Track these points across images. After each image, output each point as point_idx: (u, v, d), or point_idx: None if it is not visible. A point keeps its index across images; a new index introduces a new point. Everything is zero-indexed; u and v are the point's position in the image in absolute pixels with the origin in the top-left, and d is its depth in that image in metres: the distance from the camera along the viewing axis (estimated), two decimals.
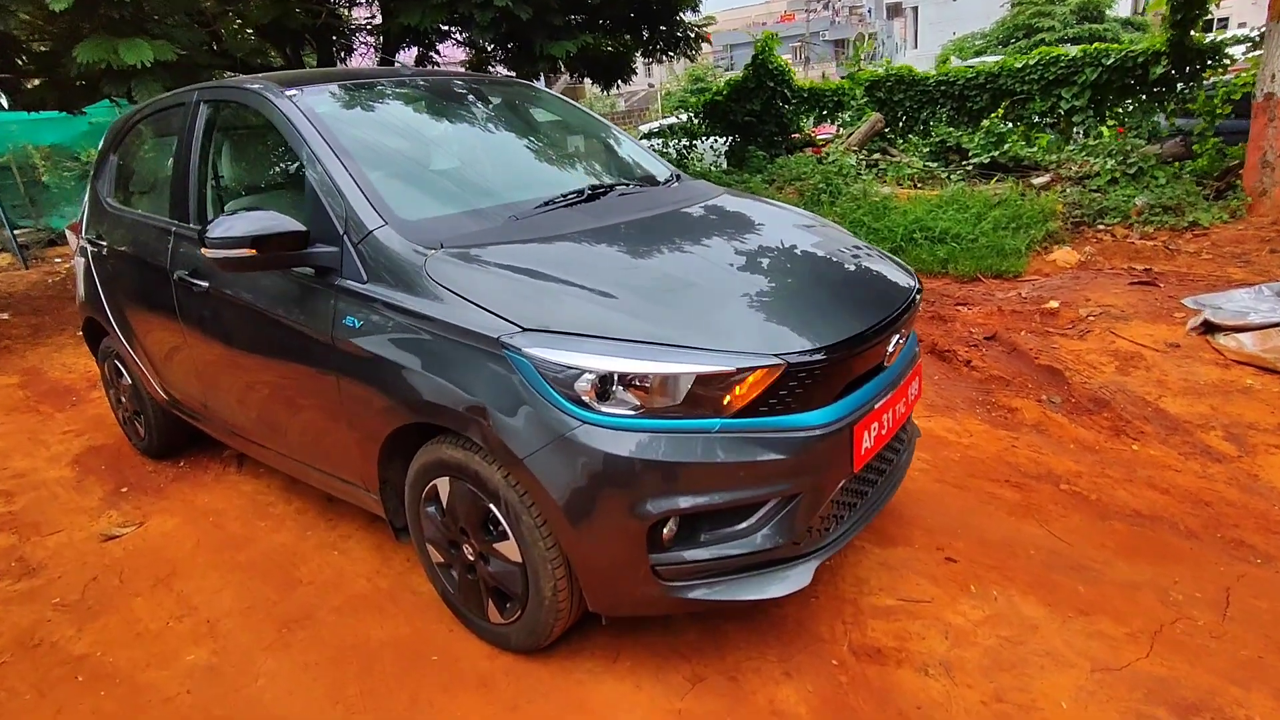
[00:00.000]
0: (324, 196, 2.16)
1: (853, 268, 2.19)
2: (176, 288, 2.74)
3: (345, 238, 2.10)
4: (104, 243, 3.23)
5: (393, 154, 2.43)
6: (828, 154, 7.81)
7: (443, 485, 2.05)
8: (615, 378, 1.69)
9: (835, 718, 1.89)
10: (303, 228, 2.09)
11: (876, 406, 1.98)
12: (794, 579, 1.89)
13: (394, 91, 2.71)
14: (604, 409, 1.71)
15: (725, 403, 1.73)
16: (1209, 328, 4.09)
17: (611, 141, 3.03)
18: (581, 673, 2.06)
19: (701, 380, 1.69)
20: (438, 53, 9.14)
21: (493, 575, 2.02)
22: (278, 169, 2.80)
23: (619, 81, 9.30)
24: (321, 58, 8.36)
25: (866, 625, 2.19)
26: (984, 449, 3.20)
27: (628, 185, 2.58)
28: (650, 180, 2.76)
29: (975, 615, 2.22)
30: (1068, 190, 6.51)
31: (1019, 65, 8.07)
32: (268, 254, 2.06)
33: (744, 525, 1.83)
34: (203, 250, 2.06)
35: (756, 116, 9.48)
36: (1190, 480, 2.89)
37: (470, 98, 2.86)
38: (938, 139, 8.13)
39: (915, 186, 7.17)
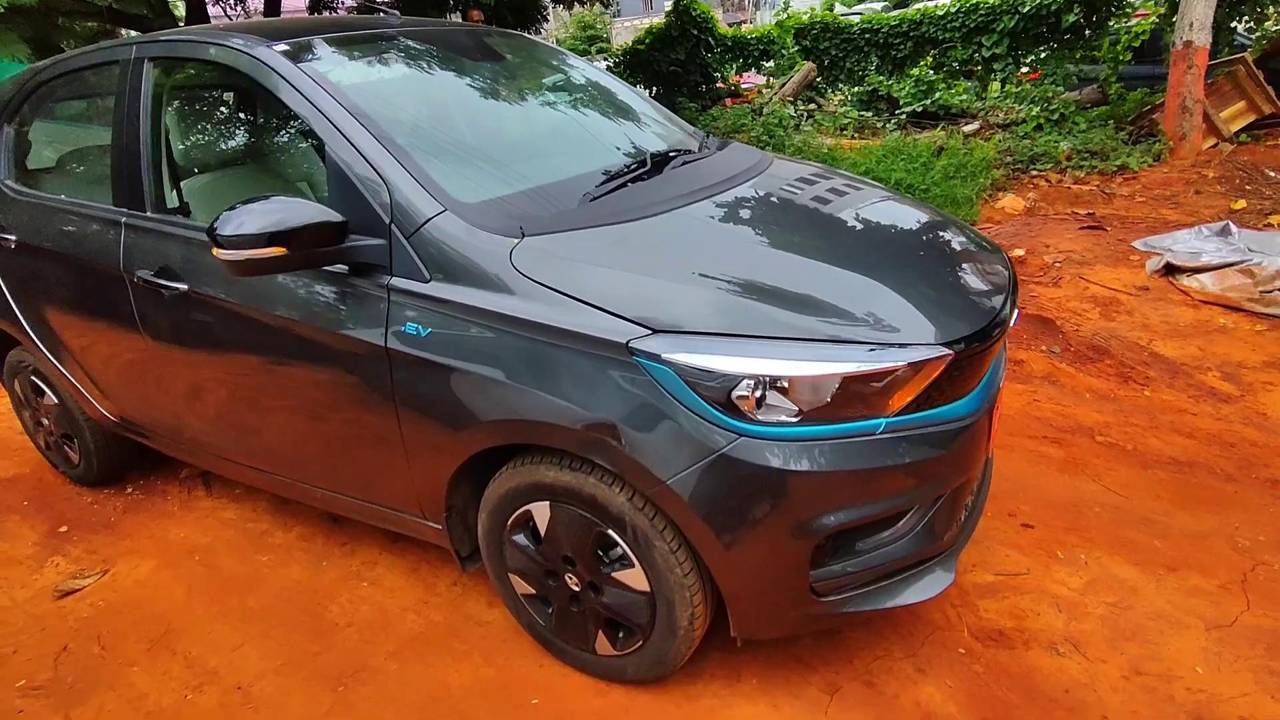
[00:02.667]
0: (357, 179, 1.78)
1: (958, 240, 2.04)
2: (136, 292, 2.25)
3: (393, 228, 1.74)
4: (9, 236, 2.63)
5: (426, 124, 2.05)
6: (763, 104, 7.66)
7: (539, 511, 1.78)
8: (778, 383, 1.48)
9: (987, 712, 1.81)
10: (340, 218, 1.71)
11: (1000, 386, 1.87)
12: (942, 576, 1.78)
13: (398, 48, 2.28)
14: (761, 418, 1.50)
15: (891, 400, 1.55)
16: (1169, 269, 4.29)
17: (629, 100, 2.72)
18: (708, 698, 1.88)
19: (872, 378, 1.51)
20: None
21: (607, 606, 1.79)
22: (262, 142, 2.32)
23: (530, 26, 8.76)
24: (190, 6, 7.34)
25: (977, 607, 2.13)
26: (1010, 405, 3.21)
27: (682, 152, 2.31)
28: (694, 143, 2.50)
29: (1074, 583, 2.20)
30: (1000, 137, 6.69)
31: (941, 13, 8.18)
32: (301, 253, 1.68)
33: (899, 528, 1.68)
34: (216, 253, 1.65)
35: (681, 66, 9.19)
36: (1209, 423, 3.01)
37: (483, 54, 2.47)
38: (869, 87, 8.16)
39: (853, 136, 7.16)
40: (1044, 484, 2.66)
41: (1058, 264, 4.59)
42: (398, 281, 1.74)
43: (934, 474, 1.64)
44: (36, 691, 2.11)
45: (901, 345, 1.53)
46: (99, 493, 3.10)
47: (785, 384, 1.48)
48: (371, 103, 1.92)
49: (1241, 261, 4.02)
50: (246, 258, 1.63)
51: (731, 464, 1.49)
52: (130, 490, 3.09)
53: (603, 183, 1.96)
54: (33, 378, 2.98)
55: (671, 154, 2.23)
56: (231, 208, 1.65)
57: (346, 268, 1.80)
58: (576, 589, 1.83)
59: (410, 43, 2.32)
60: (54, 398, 2.94)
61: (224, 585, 2.44)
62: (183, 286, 2.10)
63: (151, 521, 2.85)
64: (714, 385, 1.48)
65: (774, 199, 2.05)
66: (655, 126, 2.56)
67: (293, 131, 2.13)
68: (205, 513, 2.85)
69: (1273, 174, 5.63)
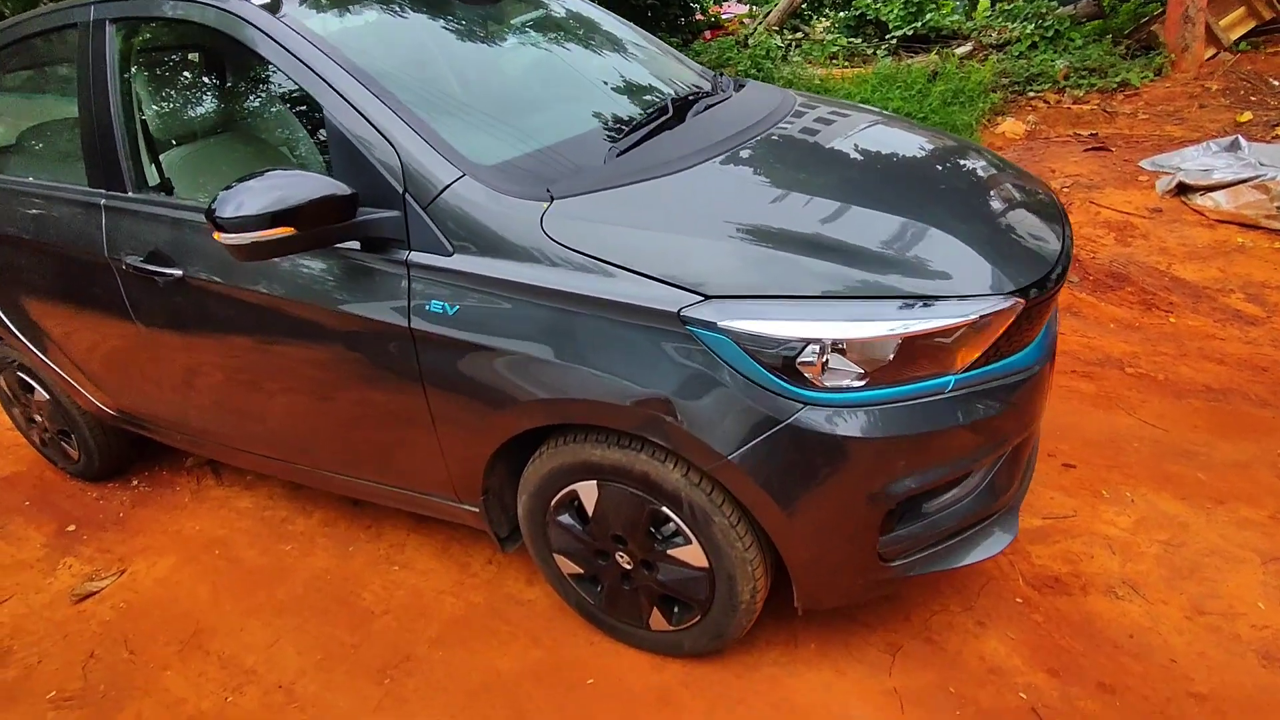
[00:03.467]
0: (362, 145, 1.62)
1: (1006, 178, 1.92)
2: (125, 280, 2.09)
3: (407, 198, 1.60)
4: None
5: (426, 78, 1.87)
6: (748, 35, 7.35)
7: (586, 490, 1.69)
8: (843, 345, 1.38)
9: (1052, 662, 1.78)
10: (349, 190, 1.56)
11: (1055, 333, 1.79)
12: (1005, 531, 1.73)
13: None
14: (826, 384, 1.40)
15: (960, 355, 1.46)
16: (1181, 189, 4.19)
17: (633, 38, 2.53)
18: (769, 667, 1.84)
19: (943, 334, 1.41)
20: None
21: (662, 584, 1.73)
22: (243, 106, 2.13)
23: None
24: None
25: (1029, 554, 2.09)
26: None
27: (700, 95, 2.14)
28: (707, 84, 2.33)
29: (1124, 523, 2.17)
30: (995, 58, 6.47)
31: None
32: (310, 231, 1.53)
33: (964, 487, 1.61)
34: (218, 237, 1.50)
35: None
36: (1238, 347, 2.96)
37: None
38: (856, 11, 7.84)
39: (844, 65, 6.91)
40: (1080, 421, 2.61)
41: (1066, 189, 4.48)
42: (417, 256, 1.61)
43: (1002, 430, 1.57)
44: (69, 702, 2.03)
45: (972, 297, 1.43)
46: (103, 487, 2.98)
47: (851, 346, 1.38)
48: (366, 56, 1.74)
49: (1255, 177, 3.92)
50: (252, 240, 1.48)
51: (798, 434, 1.40)
52: (136, 483, 2.97)
53: (627, 135, 1.81)
54: (19, 373, 2.82)
55: (691, 98, 2.07)
56: (229, 187, 1.50)
57: (358, 244, 1.66)
58: (628, 567, 1.76)
59: None
60: (44, 393, 2.79)
61: (249, 578, 2.36)
62: (177, 272, 1.94)
63: (163, 515, 2.74)
64: (776, 352, 1.38)
65: (809, 142, 1.91)
66: (665, 67, 2.38)
67: (276, 92, 1.94)
68: (219, 503, 2.75)
69: (1277, 83, 5.49)
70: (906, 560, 1.61)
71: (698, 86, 2.28)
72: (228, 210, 1.47)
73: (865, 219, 1.56)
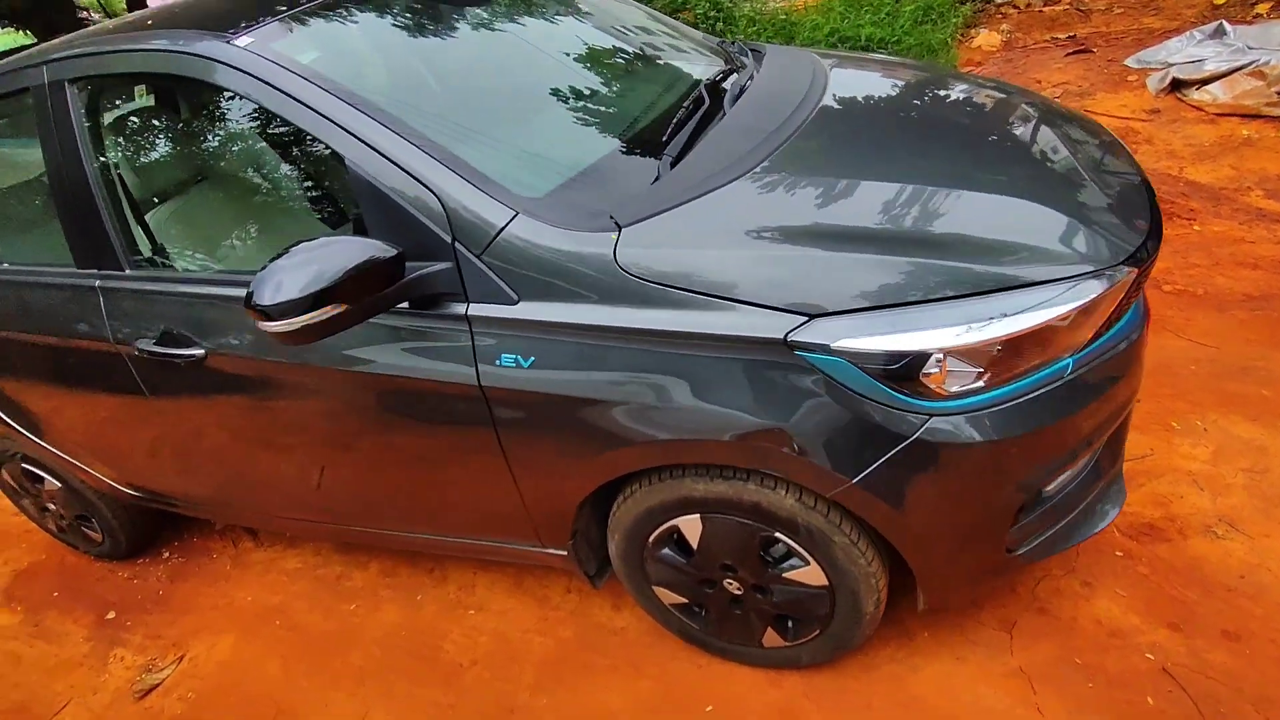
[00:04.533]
0: (396, 196, 1.46)
1: (1071, 127, 1.81)
2: (139, 365, 1.92)
3: (458, 246, 1.45)
4: None
5: (447, 105, 1.70)
6: None
7: (689, 524, 1.61)
8: (970, 349, 1.29)
9: (1169, 615, 1.77)
10: (394, 249, 1.41)
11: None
12: (1116, 497, 1.68)
13: (364, 11, 1.86)
14: (950, 390, 1.32)
15: (1078, 335, 1.38)
16: (1175, 84, 4.12)
17: (625, 11, 2.34)
18: (886, 665, 1.80)
19: (1066, 317, 1.32)
20: None
21: (777, 605, 1.66)
22: (229, 151, 1.92)
23: None
24: None
25: None
26: None
27: (724, 74, 1.99)
28: (721, 59, 2.17)
29: (1202, 454, 2.15)
30: None
31: None
32: (362, 303, 1.38)
33: (1081, 464, 1.56)
34: (263, 326, 1.35)
35: None
36: (1269, 249, 2.93)
37: None
38: None
39: None
40: None
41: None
42: (478, 309, 1.47)
43: (1119, 399, 1.50)
44: None
45: (1090, 274, 1.34)
46: (133, 566, 2.84)
47: (976, 350, 1.29)
48: (377, 91, 1.57)
49: (1250, 63, 3.85)
50: (302, 325, 1.34)
51: (926, 448, 1.32)
52: (168, 555, 2.83)
53: (671, 138, 1.66)
54: (24, 465, 2.63)
55: (719, 81, 1.92)
56: (263, 268, 1.35)
57: (405, 303, 1.52)
58: (738, 593, 1.69)
59: (372, 2, 1.90)
60: (55, 481, 2.62)
61: (319, 646, 2.26)
62: (198, 352, 1.78)
63: (207, 588, 2.62)
64: (897, 367, 1.28)
65: (863, 116, 1.79)
66: (672, 43, 2.21)
67: (264, 132, 1.76)
68: (264, 567, 2.62)
69: None
70: (1029, 547, 1.56)
71: (718, 65, 2.12)
72: (267, 296, 1.32)
73: (953, 203, 1.45)
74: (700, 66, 2.07)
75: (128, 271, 1.86)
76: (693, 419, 1.39)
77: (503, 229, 1.43)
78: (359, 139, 1.48)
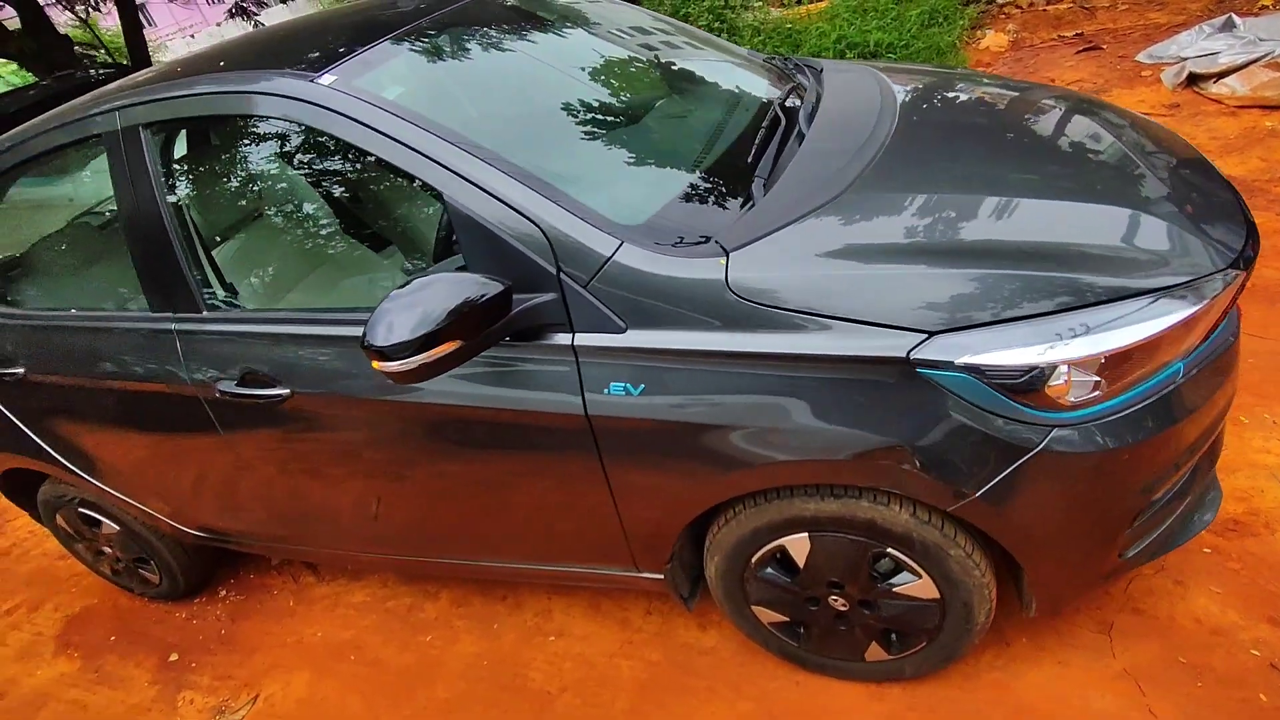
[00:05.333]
0: (497, 229, 1.46)
1: (1146, 132, 1.83)
2: (216, 406, 1.90)
3: (563, 278, 1.45)
4: (17, 369, 2.20)
5: (537, 135, 1.70)
6: None
7: (796, 544, 1.60)
8: (1096, 360, 1.29)
9: (1269, 609, 1.77)
10: (504, 283, 1.41)
11: None
12: (1214, 495, 1.69)
13: (437, 42, 1.86)
14: (1072, 400, 1.32)
15: (1190, 340, 1.39)
16: (1192, 79, 4.16)
17: (677, 32, 2.35)
18: (989, 673, 1.80)
19: (1187, 322, 1.33)
20: None
21: (884, 619, 1.66)
22: (305, 195, 1.92)
23: None
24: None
25: None
26: None
27: (788, 92, 2.00)
28: (772, 74, 2.18)
29: (1276, 448, 2.16)
30: None
31: None
32: (475, 339, 1.38)
33: (1189, 465, 1.56)
34: (379, 367, 1.35)
35: None
36: None
37: (521, 20, 2.06)
38: None
39: (807, 1, 6.71)
40: None
41: None
42: (584, 339, 1.47)
43: (1223, 399, 1.51)
44: None
45: (1203, 278, 1.35)
46: (190, 606, 2.81)
47: (1100, 359, 1.29)
48: (467, 125, 1.57)
49: (1264, 56, 3.90)
50: (419, 364, 1.34)
51: (1050, 459, 1.32)
52: (225, 594, 2.81)
53: (756, 160, 1.67)
54: (81, 509, 2.61)
55: (791, 100, 1.93)
56: (376, 308, 1.34)
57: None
58: (843, 609, 1.69)
59: (445, 32, 1.90)
60: (114, 524, 2.59)
61: (399, 681, 2.24)
62: (283, 391, 1.77)
63: (272, 625, 2.59)
64: (1024, 381, 1.29)
65: (941, 129, 1.80)
66: (732, 63, 2.22)
67: (344, 169, 1.76)
68: (330, 601, 2.60)
69: None
70: (1138, 549, 1.56)
71: (778, 82, 2.13)
72: (380, 338, 1.32)
73: (1056, 214, 1.47)
74: (763, 86, 2.08)
75: (205, 314, 1.85)
76: (811, 440, 1.39)
77: (609, 258, 1.43)
78: (457, 174, 1.48)
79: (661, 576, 1.79)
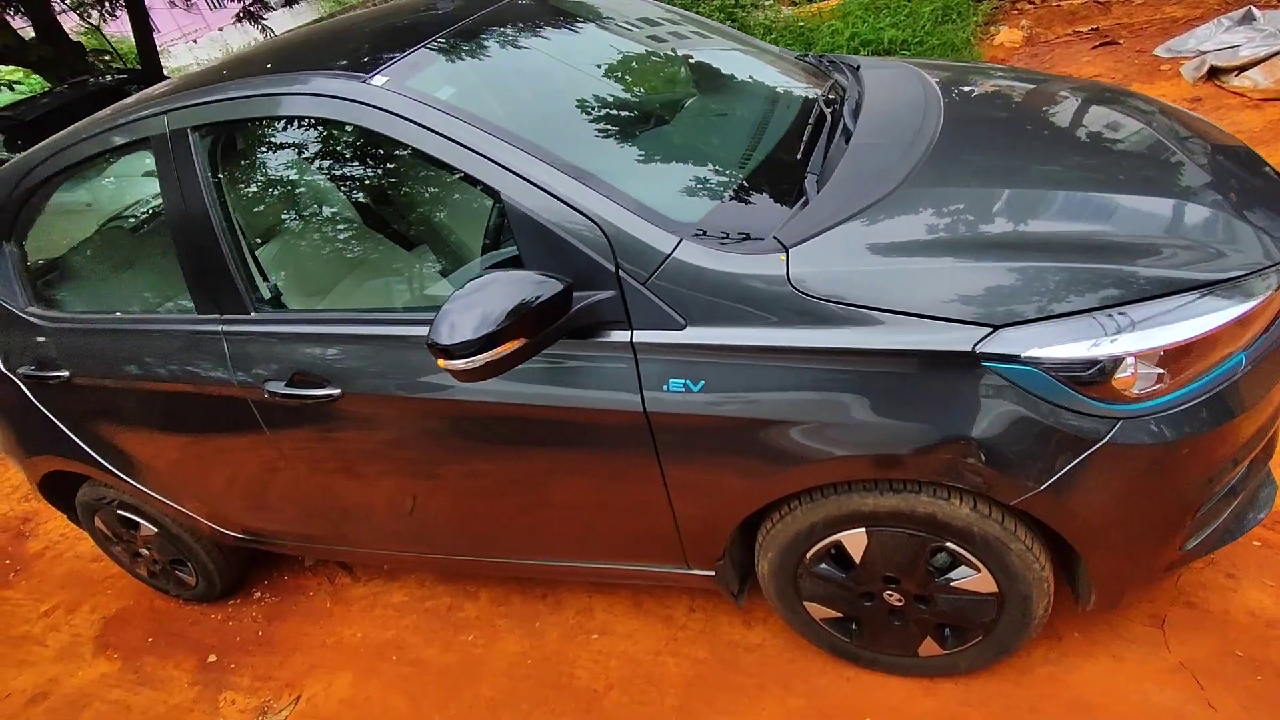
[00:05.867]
0: (555, 228, 1.47)
1: (1188, 122, 1.83)
2: (263, 407, 1.91)
3: (621, 275, 1.45)
4: (59, 374, 2.21)
5: (589, 134, 1.71)
6: None
7: (852, 539, 1.60)
8: (1162, 352, 1.29)
9: None
10: (565, 281, 1.41)
11: None
12: (1269, 487, 1.69)
13: (481, 41, 1.87)
14: (1137, 392, 1.32)
15: (1252, 330, 1.38)
16: (1213, 72, 4.15)
17: (707, 26, 2.35)
18: (1042, 667, 1.79)
19: (1253, 314, 1.33)
20: None
21: (940, 614, 1.66)
22: (355, 195, 1.93)
23: None
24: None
25: None
26: None
27: (837, 88, 2.00)
28: (807, 72, 2.19)
29: None
30: None
31: None
32: (538, 335, 1.39)
33: (1250, 456, 1.56)
34: (443, 364, 1.35)
35: None
36: None
37: (559, 18, 2.06)
38: None
39: (809, 0, 6.71)
40: None
41: None
42: (643, 336, 1.47)
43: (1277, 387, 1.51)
44: None
45: (1268, 269, 1.35)
46: (224, 607, 2.82)
47: (1163, 351, 1.29)
48: (526, 125, 1.58)
49: None
50: (485, 362, 1.34)
51: (1116, 451, 1.33)
52: (259, 595, 2.81)
53: (806, 157, 1.67)
54: (119, 511, 2.62)
55: (835, 97, 1.94)
56: (426, 308, 1.36)
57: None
58: (898, 604, 1.69)
59: (488, 32, 1.90)
60: (151, 526, 2.60)
61: (443, 680, 2.24)
62: (333, 391, 1.77)
63: (310, 626, 2.60)
64: (1092, 373, 1.29)
65: (989, 123, 1.81)
66: (770, 61, 2.22)
67: (395, 169, 1.77)
68: (368, 602, 2.61)
69: None
70: (1197, 541, 1.56)
71: (815, 79, 2.13)
72: (453, 335, 1.33)
73: (1116, 206, 1.47)
74: (803, 83, 2.08)
75: (253, 315, 1.86)
76: (873, 435, 1.39)
77: (669, 256, 1.43)
78: (515, 173, 1.48)
79: (713, 574, 1.79)
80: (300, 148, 1.83)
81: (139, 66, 7.83)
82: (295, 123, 1.74)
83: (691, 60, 2.11)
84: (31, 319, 2.22)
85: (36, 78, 8.38)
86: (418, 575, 2.62)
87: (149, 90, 2.02)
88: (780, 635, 2.02)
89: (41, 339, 2.22)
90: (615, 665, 2.11)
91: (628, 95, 1.84)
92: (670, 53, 2.12)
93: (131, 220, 2.35)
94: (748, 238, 1.47)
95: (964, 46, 5.30)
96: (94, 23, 7.68)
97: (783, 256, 1.41)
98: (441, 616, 2.44)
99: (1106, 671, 1.75)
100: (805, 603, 1.78)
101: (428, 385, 1.67)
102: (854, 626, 1.80)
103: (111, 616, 2.95)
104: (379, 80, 1.60)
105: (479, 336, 1.32)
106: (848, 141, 1.73)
